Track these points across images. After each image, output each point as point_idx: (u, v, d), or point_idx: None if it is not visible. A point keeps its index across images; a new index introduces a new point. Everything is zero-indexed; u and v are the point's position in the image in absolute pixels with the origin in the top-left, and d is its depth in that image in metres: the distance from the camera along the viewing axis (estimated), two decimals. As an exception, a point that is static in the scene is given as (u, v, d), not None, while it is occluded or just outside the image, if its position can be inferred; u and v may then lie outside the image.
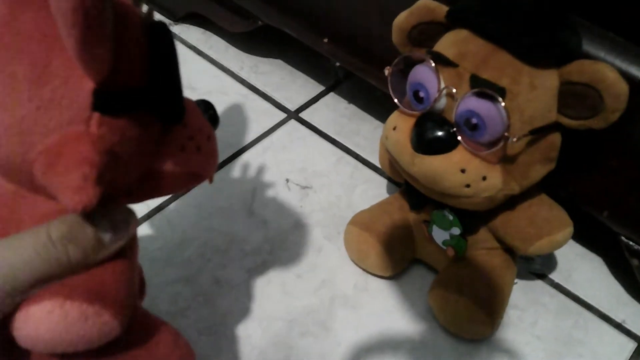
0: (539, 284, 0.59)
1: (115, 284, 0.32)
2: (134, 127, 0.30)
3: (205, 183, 0.37)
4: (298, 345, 0.53)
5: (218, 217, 0.62)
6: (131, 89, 0.30)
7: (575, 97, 0.44)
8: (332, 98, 0.76)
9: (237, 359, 0.52)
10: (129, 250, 0.34)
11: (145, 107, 0.31)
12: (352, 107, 0.75)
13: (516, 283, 0.58)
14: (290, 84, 0.77)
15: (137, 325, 0.36)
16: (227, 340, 0.53)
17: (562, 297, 0.58)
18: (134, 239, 0.37)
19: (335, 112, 0.74)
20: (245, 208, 0.63)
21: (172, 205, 0.63)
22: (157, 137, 0.33)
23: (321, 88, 0.77)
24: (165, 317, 0.53)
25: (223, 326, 0.54)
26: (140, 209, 0.61)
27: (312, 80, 0.78)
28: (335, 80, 0.77)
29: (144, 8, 0.33)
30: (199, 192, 0.64)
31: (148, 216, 0.61)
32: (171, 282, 0.56)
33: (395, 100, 0.49)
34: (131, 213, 0.33)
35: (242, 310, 0.55)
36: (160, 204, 0.62)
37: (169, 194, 0.37)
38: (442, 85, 0.45)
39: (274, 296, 0.56)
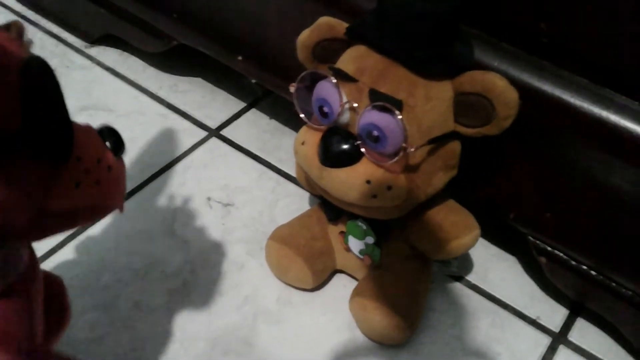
0: (456, 285, 0.61)
1: (5, 323, 0.31)
2: (10, 172, 0.29)
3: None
4: (221, 364, 0.53)
5: (137, 240, 0.61)
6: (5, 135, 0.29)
7: (469, 106, 0.46)
8: (253, 114, 0.77)
9: (158, 382, 0.52)
10: (22, 289, 0.34)
11: (19, 151, 0.30)
12: (274, 123, 0.76)
13: (432, 284, 0.59)
14: (211, 102, 0.77)
15: None
16: (148, 365, 0.53)
17: (478, 297, 0.60)
18: (31, 278, 0.36)
19: (257, 128, 0.75)
20: (165, 229, 0.63)
21: (89, 231, 0.62)
22: (45, 176, 0.32)
23: (242, 105, 0.77)
24: (83, 345, 0.53)
25: (143, 351, 0.53)
26: (56, 236, 0.59)
27: (233, 97, 0.78)
28: (255, 96, 0.78)
29: (23, 39, 0.33)
30: (118, 216, 0.63)
31: (63, 243, 0.60)
32: (88, 310, 0.55)
33: (302, 116, 0.50)
34: (17, 252, 0.33)
35: (163, 333, 0.55)
36: (77, 230, 0.61)
37: (72, 228, 0.37)
38: (344, 100, 0.47)
39: (196, 316, 0.56)
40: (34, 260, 0.39)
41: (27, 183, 0.31)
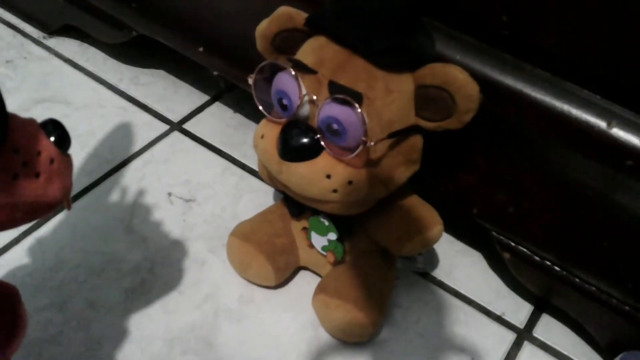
0: (421, 281, 0.60)
1: None
2: None
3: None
4: (178, 365, 0.52)
5: (94, 237, 0.59)
6: None
7: (430, 99, 0.45)
8: (217, 108, 0.75)
9: (112, 384, 0.50)
10: None
11: None
12: (238, 116, 0.74)
13: (398, 280, 0.58)
14: (173, 95, 0.75)
15: None
16: (103, 366, 0.51)
17: (443, 293, 0.59)
18: None
19: (220, 122, 0.73)
20: (123, 226, 0.61)
21: (43, 227, 0.60)
22: None
23: (205, 98, 0.76)
24: (36, 345, 0.51)
25: (99, 351, 0.52)
26: (9, 232, 0.57)
27: (196, 90, 0.76)
28: (218, 89, 0.76)
29: None
30: (73, 212, 0.61)
31: (17, 240, 0.58)
32: (42, 309, 0.54)
33: (260, 108, 0.49)
34: None
35: (119, 333, 0.53)
36: (31, 227, 0.59)
37: (14, 226, 0.35)
38: (303, 92, 0.45)
39: (154, 315, 0.55)
40: None
41: None
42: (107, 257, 0.58)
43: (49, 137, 0.35)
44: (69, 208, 0.37)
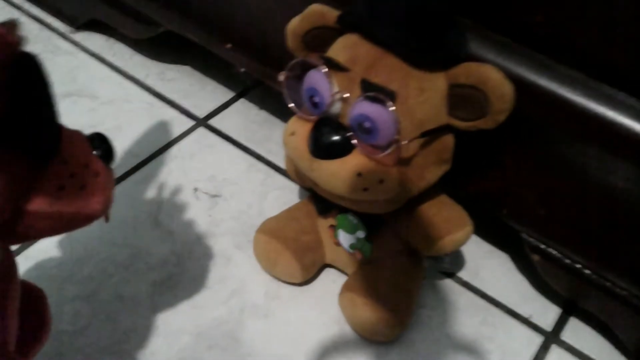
0: (447, 282, 0.59)
1: None
2: None
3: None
4: (205, 359, 0.52)
5: (121, 230, 0.60)
6: None
7: (463, 99, 0.44)
8: (242, 104, 0.75)
9: (140, 377, 0.50)
10: None
11: (2, 143, 0.29)
12: (263, 113, 0.74)
13: (424, 281, 0.58)
14: (199, 91, 0.76)
15: None
16: (130, 358, 0.51)
17: (470, 294, 0.59)
18: (6, 279, 0.35)
19: (246, 119, 0.73)
20: (150, 220, 0.61)
21: (72, 221, 0.60)
22: (27, 175, 0.31)
23: (231, 94, 0.76)
24: (65, 335, 0.51)
25: (126, 344, 0.52)
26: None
27: (221, 87, 0.76)
28: (244, 86, 0.76)
29: (17, 35, 0.31)
30: (102, 206, 0.61)
31: (46, 233, 0.59)
32: (70, 300, 0.54)
33: (291, 106, 0.49)
34: None
35: (147, 326, 0.53)
36: (60, 220, 0.60)
37: (52, 235, 0.36)
38: (335, 90, 0.45)
39: (181, 310, 0.55)
40: (10, 263, 0.37)
41: (6, 180, 0.30)
42: (134, 250, 0.59)
43: (95, 151, 0.35)
44: (107, 220, 0.37)
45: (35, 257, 0.57)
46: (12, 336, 0.37)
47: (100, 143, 0.36)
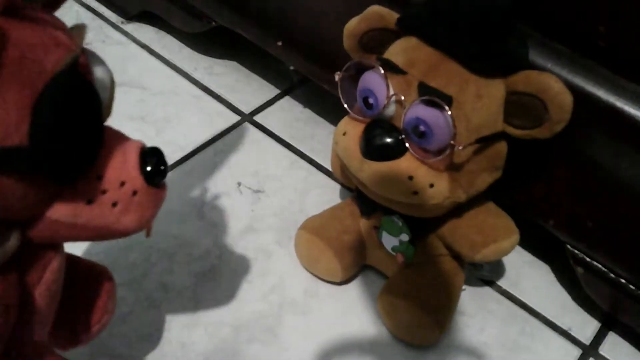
0: (487, 290, 0.59)
1: None
2: (9, 185, 0.28)
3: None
4: (244, 352, 0.52)
5: (166, 220, 0.61)
6: (3, 149, 0.27)
7: (521, 107, 0.44)
8: (287, 102, 0.76)
9: (180, 366, 0.51)
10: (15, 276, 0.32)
11: (22, 168, 0.28)
12: (307, 112, 0.75)
13: (464, 289, 0.58)
14: (245, 87, 0.76)
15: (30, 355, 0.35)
16: (171, 347, 0.52)
17: (509, 303, 0.59)
18: (39, 266, 0.34)
19: (290, 116, 0.74)
20: (194, 211, 0.62)
21: (119, 208, 0.61)
22: (48, 188, 0.30)
23: (276, 91, 0.76)
24: (107, 321, 0.51)
25: (167, 332, 0.53)
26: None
27: (267, 84, 0.77)
28: (290, 84, 0.77)
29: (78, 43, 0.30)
30: (148, 195, 0.62)
31: (93, 219, 0.60)
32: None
33: (345, 106, 0.49)
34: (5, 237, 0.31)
35: (188, 316, 0.54)
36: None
37: (77, 241, 0.35)
38: (391, 92, 0.45)
39: (222, 302, 0.56)
40: (52, 255, 0.36)
41: (26, 187, 0.29)
42: (178, 240, 0.59)
43: (144, 166, 0.33)
44: (147, 235, 0.36)
45: (79, 243, 0.58)
46: (42, 323, 0.36)
47: (151, 157, 0.34)
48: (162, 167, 0.35)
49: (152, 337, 0.52)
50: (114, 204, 0.32)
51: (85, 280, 0.43)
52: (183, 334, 0.53)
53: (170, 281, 0.56)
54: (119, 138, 0.34)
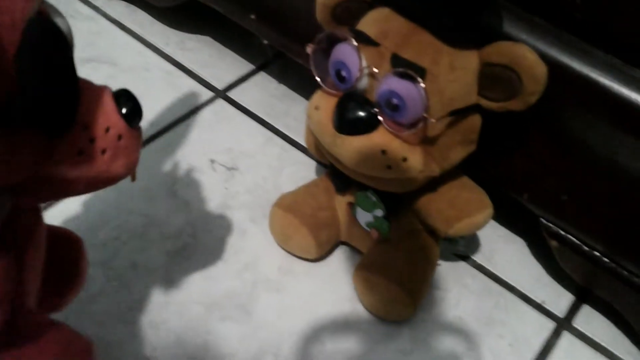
0: (461, 265, 0.59)
1: None
2: (2, 145, 0.27)
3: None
4: (217, 330, 0.52)
5: (137, 199, 0.59)
6: None
7: (495, 78, 0.44)
8: (262, 77, 0.74)
9: (152, 344, 0.50)
10: (10, 247, 0.32)
11: (12, 119, 0.27)
12: (283, 87, 0.73)
13: (439, 265, 0.58)
14: (219, 62, 0.75)
15: (24, 325, 0.34)
16: (143, 326, 0.51)
17: (484, 278, 0.59)
18: (25, 237, 0.34)
19: (264, 92, 0.72)
20: (166, 189, 0.61)
21: (88, 186, 0.60)
22: (43, 144, 0.30)
23: (251, 67, 0.75)
24: (76, 302, 0.51)
25: (138, 311, 0.52)
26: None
27: (241, 59, 0.76)
28: (265, 59, 0.75)
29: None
30: (118, 173, 0.61)
31: (62, 197, 0.58)
32: (85, 266, 0.54)
33: (318, 79, 0.48)
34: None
35: (160, 295, 0.53)
36: (76, 185, 0.60)
37: (75, 195, 0.35)
38: (364, 64, 0.44)
39: (194, 280, 0.55)
40: (36, 221, 0.37)
41: (20, 150, 0.29)
42: (149, 219, 0.58)
43: (121, 110, 0.33)
44: (133, 180, 0.36)
45: (48, 221, 0.56)
46: (30, 293, 0.36)
47: (126, 101, 0.34)
48: (138, 108, 0.35)
49: (123, 317, 0.52)
50: (103, 151, 0.32)
51: (56, 243, 0.42)
52: (154, 314, 0.52)
53: (142, 260, 0.55)
54: (88, 85, 0.33)
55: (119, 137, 0.33)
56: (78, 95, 0.31)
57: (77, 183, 0.33)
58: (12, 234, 0.34)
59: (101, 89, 0.34)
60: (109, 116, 0.33)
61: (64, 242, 0.43)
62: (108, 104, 0.33)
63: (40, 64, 0.28)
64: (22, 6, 0.28)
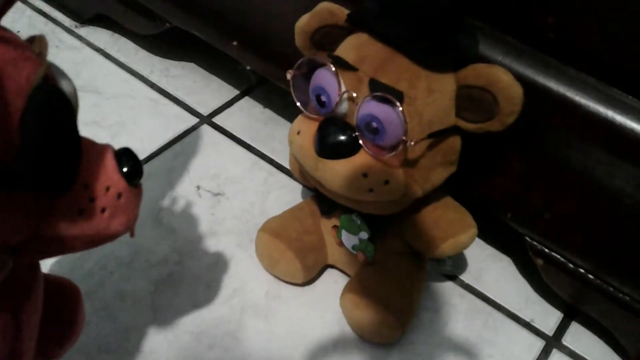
0: (449, 285, 0.59)
1: None
2: (1, 199, 0.28)
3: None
4: (206, 358, 0.51)
5: (123, 227, 0.59)
6: None
7: (472, 100, 0.44)
8: (246, 102, 0.75)
9: (139, 375, 0.50)
10: (8, 304, 0.32)
11: (14, 181, 0.28)
12: (268, 112, 0.74)
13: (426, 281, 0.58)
14: (204, 88, 0.75)
15: None
16: (130, 357, 0.51)
17: (472, 297, 0.59)
18: (24, 294, 0.34)
19: (250, 117, 0.73)
20: (152, 217, 0.61)
21: (73, 216, 0.60)
22: (43, 204, 0.30)
23: (236, 92, 0.76)
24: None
25: (126, 341, 0.52)
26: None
27: (226, 84, 0.76)
28: (249, 84, 0.76)
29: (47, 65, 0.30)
30: (104, 202, 0.61)
31: (47, 228, 0.58)
32: (71, 297, 0.54)
33: (298, 104, 0.48)
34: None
35: (147, 324, 0.53)
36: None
37: (76, 252, 0.35)
38: (343, 89, 0.45)
39: (182, 308, 0.55)
40: (34, 277, 0.36)
41: (21, 211, 0.29)
42: (136, 247, 0.58)
43: (122, 169, 0.34)
44: (132, 235, 0.36)
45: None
46: (28, 350, 0.36)
47: (127, 160, 0.34)
48: (139, 167, 0.35)
49: (111, 347, 0.51)
50: (103, 210, 0.33)
51: (53, 293, 0.42)
52: (142, 343, 0.52)
53: (128, 289, 0.55)
54: (91, 144, 0.34)
55: (119, 195, 0.33)
56: (80, 158, 0.32)
57: (76, 241, 0.33)
58: (10, 292, 0.34)
59: (103, 148, 0.34)
60: (110, 175, 0.33)
61: (61, 290, 0.43)
62: (109, 163, 0.33)
63: (44, 130, 0.28)
64: (28, 72, 0.28)
